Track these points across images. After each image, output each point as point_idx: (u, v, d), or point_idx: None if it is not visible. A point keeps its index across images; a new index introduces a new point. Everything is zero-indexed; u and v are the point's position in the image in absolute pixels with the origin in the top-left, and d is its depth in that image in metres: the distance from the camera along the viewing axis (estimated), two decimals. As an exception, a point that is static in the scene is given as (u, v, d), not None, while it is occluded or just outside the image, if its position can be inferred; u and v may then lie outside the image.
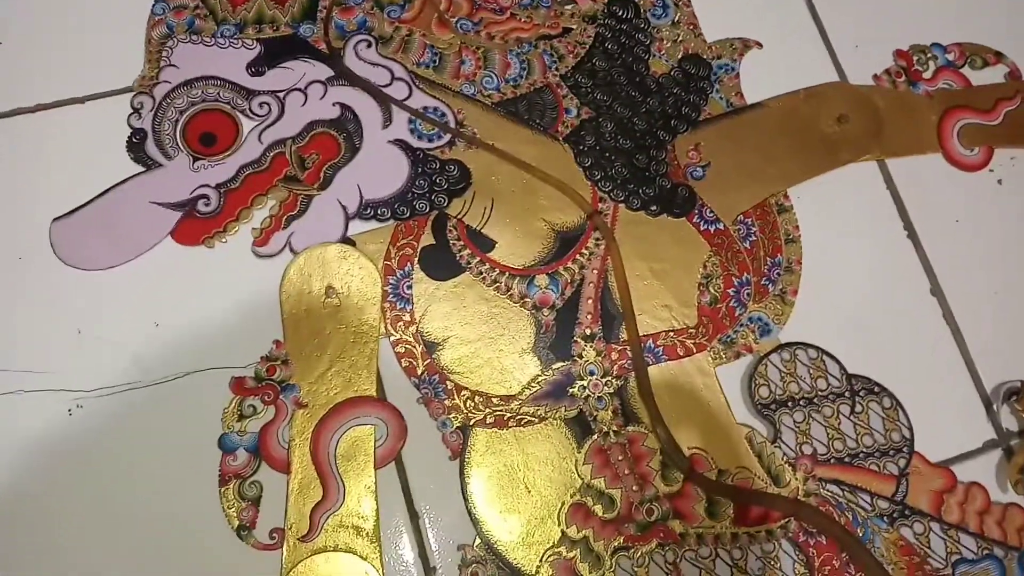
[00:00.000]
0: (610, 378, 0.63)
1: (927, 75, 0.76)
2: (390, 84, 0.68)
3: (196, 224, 0.63)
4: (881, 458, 0.63)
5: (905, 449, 0.64)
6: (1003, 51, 0.78)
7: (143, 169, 0.64)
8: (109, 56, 0.68)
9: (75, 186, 0.64)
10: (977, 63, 0.77)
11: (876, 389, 0.65)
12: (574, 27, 0.72)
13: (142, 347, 0.61)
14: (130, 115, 0.66)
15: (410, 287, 0.63)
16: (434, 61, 0.70)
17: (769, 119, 0.71)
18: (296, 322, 0.61)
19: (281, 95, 0.67)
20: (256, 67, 0.68)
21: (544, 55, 0.71)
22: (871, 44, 0.76)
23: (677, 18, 0.74)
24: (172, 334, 0.61)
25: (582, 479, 0.61)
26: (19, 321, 0.61)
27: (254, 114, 0.66)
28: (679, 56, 0.73)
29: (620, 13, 0.73)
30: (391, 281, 0.63)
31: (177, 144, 0.65)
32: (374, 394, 0.61)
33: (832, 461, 0.63)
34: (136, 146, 0.65)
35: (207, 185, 0.64)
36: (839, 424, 0.64)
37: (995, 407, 0.67)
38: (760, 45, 0.74)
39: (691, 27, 0.74)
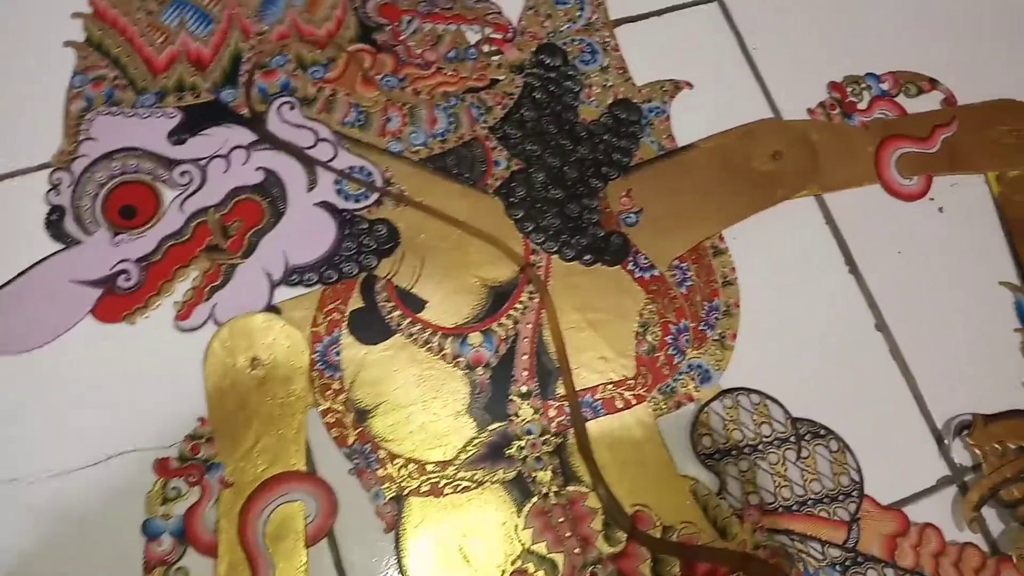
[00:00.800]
0: (548, 436, 0.61)
1: (862, 106, 0.75)
2: (314, 146, 0.67)
3: (117, 300, 0.62)
4: (831, 504, 0.62)
5: (855, 493, 0.62)
6: (937, 78, 0.77)
7: (62, 247, 0.63)
8: (26, 133, 0.67)
9: (-7, 266, 0.62)
10: (912, 91, 0.77)
11: (822, 432, 0.64)
12: (502, 78, 0.71)
13: (63, 431, 0.59)
14: (48, 191, 0.65)
15: (339, 353, 0.62)
16: (359, 120, 0.69)
17: (702, 160, 0.70)
18: (220, 397, 0.60)
19: (203, 163, 0.66)
20: (177, 135, 0.66)
21: (472, 108, 0.70)
22: (805, 78, 0.76)
23: (606, 63, 0.73)
24: (93, 416, 0.60)
25: (522, 544, 0.59)
26: (-64, 410, 0.59)
27: (176, 184, 0.65)
28: (609, 101, 0.72)
29: (548, 61, 0.72)
30: (318, 348, 0.62)
31: (96, 219, 0.64)
32: (303, 468, 0.59)
33: (780, 510, 0.61)
34: (54, 223, 0.63)
35: (128, 260, 0.63)
36: (786, 471, 0.62)
37: (947, 442, 0.66)
38: (691, 85, 0.74)
39: (620, 71, 0.73)
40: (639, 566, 0.59)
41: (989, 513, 0.64)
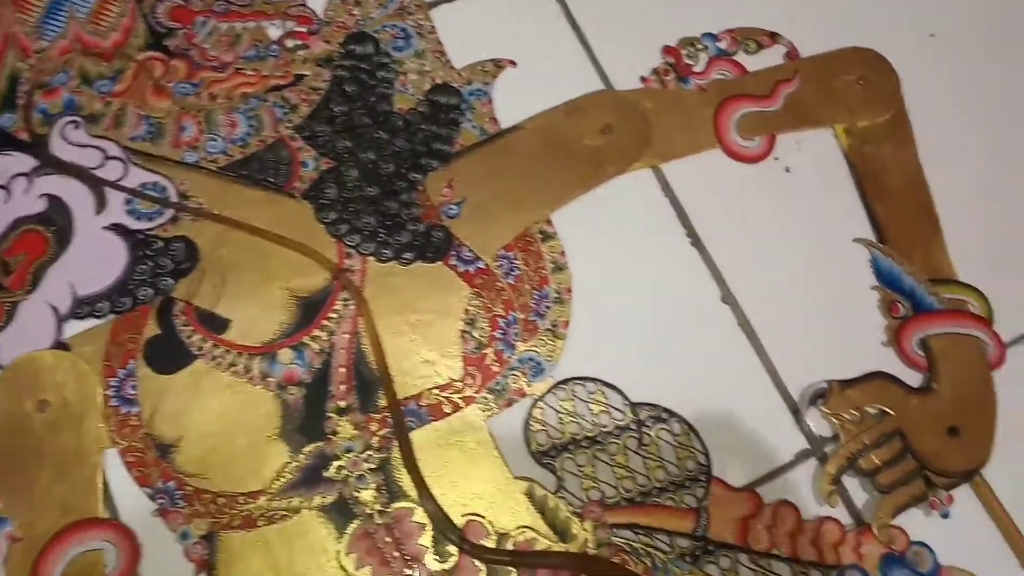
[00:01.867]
0: (371, 452, 0.57)
1: (698, 68, 0.72)
2: (102, 165, 0.62)
3: None
4: (677, 491, 0.58)
5: (702, 477, 0.59)
6: (778, 31, 0.74)
7: None
8: None
9: None
10: (752, 47, 0.73)
11: (664, 416, 0.60)
12: (307, 73, 0.67)
13: None
14: None
15: (135, 387, 0.57)
16: (151, 132, 0.64)
17: (527, 141, 0.67)
18: (4, 446, 0.55)
19: (-19, 195, 0.61)
20: (-48, 169, 0.61)
21: (274, 108, 0.65)
22: (636, 45, 0.72)
23: (422, 48, 0.69)
24: None
25: (345, 571, 0.55)
26: None
27: (-49, 221, 0.60)
28: (426, 88, 0.68)
29: (358, 51, 0.68)
30: (112, 383, 0.57)
31: None
32: (100, 514, 0.55)
33: (623, 504, 0.58)
34: None
35: (-99, 307, 0.58)
36: (627, 461, 0.59)
37: (802, 413, 0.62)
38: (514, 64, 0.70)
39: (437, 55, 0.69)
40: (473, 580, 0.55)
41: (854, 484, 0.61)
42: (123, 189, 0.62)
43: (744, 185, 0.69)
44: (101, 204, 0.61)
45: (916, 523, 0.60)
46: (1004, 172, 0.71)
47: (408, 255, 0.62)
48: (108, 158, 0.62)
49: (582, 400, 0.60)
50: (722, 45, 0.73)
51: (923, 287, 0.66)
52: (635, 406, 0.60)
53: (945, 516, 0.60)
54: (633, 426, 0.60)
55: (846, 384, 0.63)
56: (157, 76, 0.65)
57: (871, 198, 0.69)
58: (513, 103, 0.69)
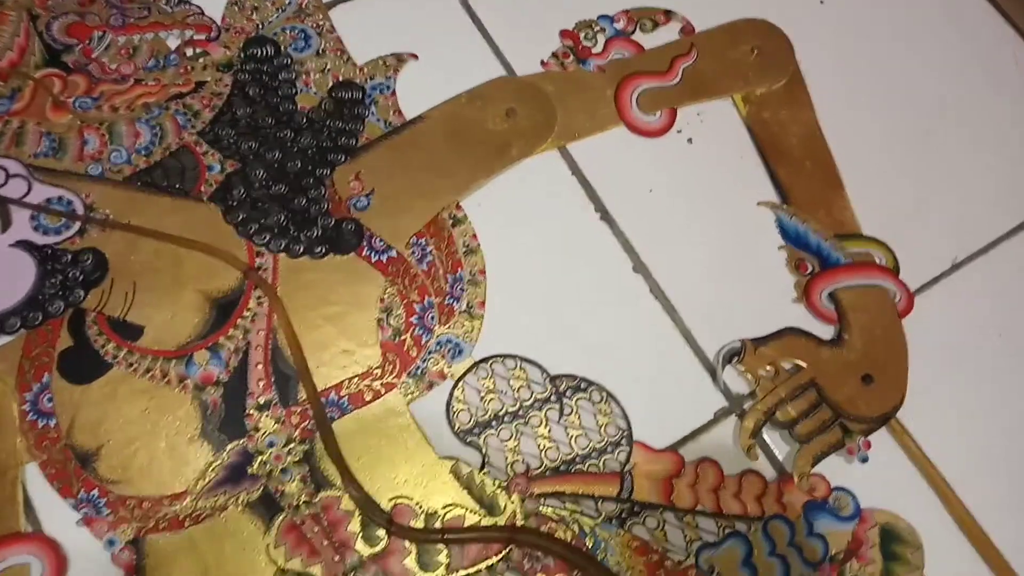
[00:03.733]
0: (294, 445, 0.58)
1: (597, 49, 0.73)
2: (5, 183, 0.62)
3: None
4: (600, 457, 0.60)
5: (624, 441, 0.60)
6: (673, 8, 0.76)
7: None
8: None
9: None
10: (647, 26, 0.75)
11: (583, 385, 0.61)
12: (208, 79, 0.68)
13: None
14: None
15: (50, 399, 0.57)
16: (53, 148, 0.64)
17: (430, 131, 0.68)
18: (-81, 470, 0.55)
19: None
20: None
21: (177, 115, 0.66)
22: (534, 30, 0.74)
23: (322, 47, 0.70)
24: None
25: (276, 564, 0.55)
26: None
27: None
28: (329, 86, 0.69)
29: (258, 53, 0.69)
30: (28, 398, 0.57)
31: None
32: (21, 529, 0.54)
33: (548, 473, 0.59)
34: None
35: None
36: (549, 432, 0.60)
37: (719, 373, 0.64)
38: (416, 56, 0.71)
39: (338, 53, 0.70)
40: (404, 561, 0.56)
41: (775, 437, 0.63)
42: (28, 206, 0.61)
43: (649, 159, 0.71)
44: (6, 223, 0.61)
45: (837, 470, 0.61)
46: (901, 126, 0.74)
47: (320, 249, 0.63)
48: (11, 176, 0.62)
49: (502, 377, 0.61)
50: (619, 25, 0.75)
51: (829, 243, 0.69)
52: (554, 379, 0.61)
53: (864, 461, 0.62)
54: (553, 398, 0.61)
55: (759, 341, 0.65)
56: (56, 92, 0.65)
57: (773, 162, 0.72)
58: (417, 95, 0.70)
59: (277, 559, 0.55)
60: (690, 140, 0.72)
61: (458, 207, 0.65)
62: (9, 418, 0.56)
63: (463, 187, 0.66)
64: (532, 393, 0.61)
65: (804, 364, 0.64)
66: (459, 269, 0.63)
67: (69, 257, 0.61)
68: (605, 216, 0.68)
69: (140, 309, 0.60)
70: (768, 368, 0.64)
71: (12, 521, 0.54)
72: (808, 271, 0.68)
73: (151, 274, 0.61)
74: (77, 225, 0.61)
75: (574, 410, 0.61)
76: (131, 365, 0.58)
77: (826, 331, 0.66)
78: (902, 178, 0.72)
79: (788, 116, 0.73)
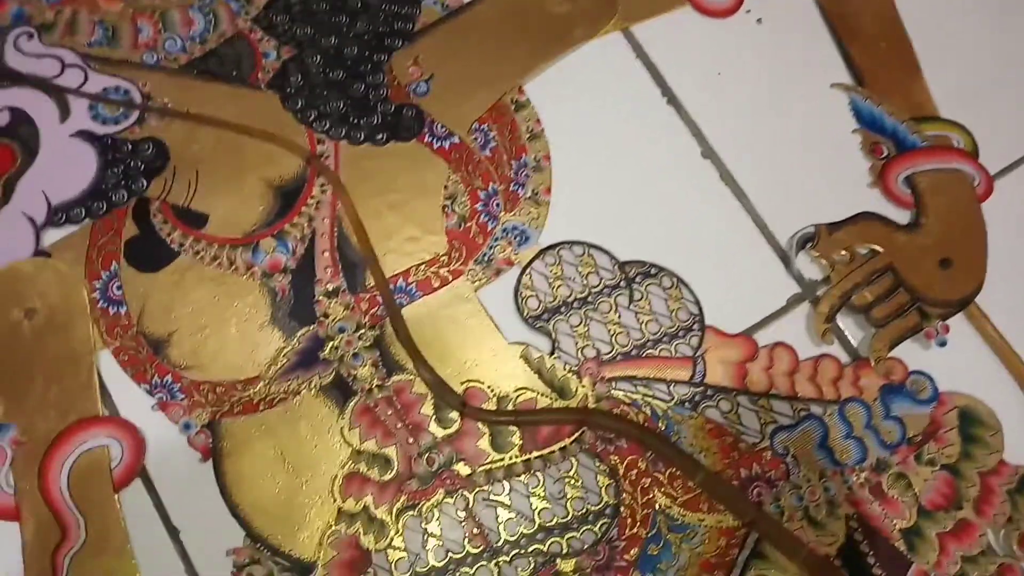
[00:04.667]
0: (364, 331, 0.57)
1: (661, -74, 0.70)
2: (61, 73, 0.61)
3: None
4: (671, 342, 0.59)
5: (695, 326, 0.59)
6: None
7: None
8: None
9: None
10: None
11: (653, 271, 0.60)
12: (259, -37, 0.65)
13: None
14: None
15: (120, 287, 0.57)
16: (107, 37, 0.63)
17: (489, 13, 0.65)
18: (-1, 355, 0.55)
19: (-59, 116, 0.60)
20: (-94, 92, 0.60)
21: (229, 2, 0.64)
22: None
23: (374, -72, 0.67)
24: None
25: (351, 446, 0.55)
26: None
27: (-86, 145, 0.59)
28: (383, -32, 0.66)
29: (310, -63, 0.66)
30: (97, 286, 0.57)
31: None
32: (99, 413, 0.55)
33: (619, 358, 0.58)
34: None
35: None
36: (619, 317, 0.59)
37: (792, 259, 0.62)
38: (471, -64, 0.68)
39: (390, -65, 0.67)
40: (477, 442, 0.55)
41: (850, 323, 0.61)
42: (86, 95, 0.60)
43: (717, 40, 0.67)
44: (65, 112, 0.60)
45: (913, 354, 0.60)
46: (979, 3, 0.70)
47: (380, 135, 0.61)
48: (67, 66, 0.61)
49: (570, 263, 0.60)
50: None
51: (905, 126, 0.66)
52: (623, 264, 0.60)
53: (942, 345, 0.60)
54: (623, 283, 0.59)
55: (834, 227, 0.62)
56: (106, -20, 0.64)
57: (846, 42, 0.68)
58: (473, -23, 0.67)
59: (352, 441, 0.55)
60: (759, 20, 0.69)
61: (520, 91, 0.63)
62: (81, 306, 0.56)
63: (525, 71, 0.64)
64: (601, 279, 0.59)
65: (880, 248, 0.62)
66: (523, 155, 0.62)
67: (129, 146, 0.60)
68: (672, 100, 0.65)
69: (203, 197, 0.59)
70: (843, 253, 0.62)
71: (90, 405, 0.55)
72: (883, 155, 0.65)
73: (213, 162, 0.60)
74: (136, 114, 0.60)
75: (644, 295, 0.59)
76: (197, 253, 0.58)
77: (902, 216, 0.64)
78: (981, 59, 0.69)
79: (862, -6, 0.70)
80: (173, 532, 0.54)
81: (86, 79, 0.61)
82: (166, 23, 0.63)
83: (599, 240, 0.60)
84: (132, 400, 0.56)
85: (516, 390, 0.57)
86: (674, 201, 0.63)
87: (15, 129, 0.60)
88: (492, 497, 0.55)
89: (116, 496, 0.53)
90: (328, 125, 0.61)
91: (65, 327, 0.56)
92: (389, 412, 0.56)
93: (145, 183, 0.59)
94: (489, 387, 0.57)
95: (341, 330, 0.57)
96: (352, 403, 0.56)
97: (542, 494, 0.55)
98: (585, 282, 0.59)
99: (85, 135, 0.60)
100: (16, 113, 0.60)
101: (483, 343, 0.58)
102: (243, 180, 0.60)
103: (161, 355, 0.56)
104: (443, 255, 0.59)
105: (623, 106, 0.65)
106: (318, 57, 0.63)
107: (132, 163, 0.59)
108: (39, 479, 0.53)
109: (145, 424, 0.55)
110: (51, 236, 0.58)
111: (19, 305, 0.56)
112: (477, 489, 0.55)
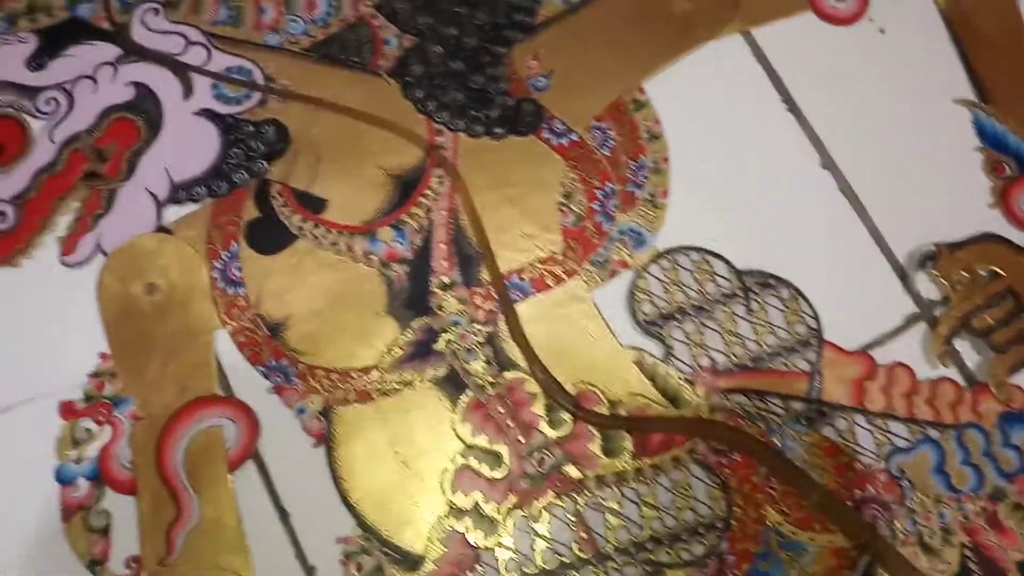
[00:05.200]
0: (477, 325, 0.57)
1: (786, -71, 0.68)
2: (185, 51, 0.61)
3: (-5, 243, 0.57)
4: (788, 355, 0.57)
5: (813, 341, 0.58)
6: None
7: (-71, 194, 0.58)
8: None
9: None
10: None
11: (771, 282, 0.59)
12: (382, -50, 0.65)
13: (-43, 387, 0.55)
14: (-95, 140, 0.59)
15: (239, 268, 0.57)
16: (231, 16, 0.63)
17: (611, 10, 0.64)
18: (119, 329, 0.56)
19: (68, 86, 0.60)
20: (36, 61, 0.61)
21: (352, -14, 0.64)
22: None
23: (496, -81, 0.66)
24: (-13, 367, 0.56)
25: (462, 440, 0.55)
26: None
27: (41, 113, 0.60)
28: (504, -41, 0.65)
29: (432, -75, 0.66)
30: (217, 265, 0.57)
31: (-41, 160, 0.58)
32: (216, 392, 0.55)
33: (734, 369, 0.57)
34: (-84, 174, 0.58)
35: (1, 199, 0.58)
36: (736, 327, 0.58)
37: (911, 277, 0.61)
38: (593, -69, 0.67)
39: (513, -75, 0.66)
40: (589, 446, 0.55)
41: (964, 347, 0.60)
42: (209, 74, 0.60)
43: (838, 48, 0.66)
44: (188, 90, 0.60)
45: (1034, 381, 0.58)
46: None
47: (499, 130, 0.61)
48: (190, 44, 0.61)
49: (686, 269, 0.59)
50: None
51: (1030, 145, 0.64)
52: (740, 273, 0.59)
53: (1064, 374, 0.59)
54: (740, 293, 0.58)
55: (955, 246, 0.61)
56: (232, -41, 0.64)
57: (971, 56, 0.66)
58: (593, -27, 0.66)
59: (464, 435, 0.55)
60: (882, 30, 0.67)
61: (640, 91, 0.62)
62: (201, 284, 0.57)
63: (645, 70, 0.63)
64: (718, 287, 0.59)
65: (1002, 272, 0.60)
66: (641, 155, 0.61)
67: (251, 127, 0.60)
68: (792, 107, 0.64)
69: (323, 182, 0.59)
70: (963, 274, 0.60)
71: (207, 383, 0.55)
72: (1006, 174, 0.63)
73: (333, 148, 0.60)
74: (258, 95, 0.60)
75: (762, 306, 0.58)
76: (316, 238, 0.58)
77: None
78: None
79: (988, 6, 0.68)
80: (283, 515, 0.54)
81: (209, 57, 0.61)
82: (289, 5, 0.63)
83: (715, 246, 0.60)
84: (247, 381, 0.56)
85: (629, 395, 0.56)
86: (791, 211, 0.62)
87: (140, 104, 0.60)
88: (602, 502, 0.54)
89: (230, 477, 0.53)
90: (448, 116, 0.61)
91: (184, 304, 0.56)
92: (501, 409, 0.55)
93: (265, 165, 0.59)
94: (602, 390, 0.56)
95: (455, 323, 0.57)
96: (464, 397, 0.56)
97: (652, 503, 0.54)
98: (701, 289, 0.58)
99: (207, 114, 0.60)
100: (141, 88, 0.60)
101: (596, 345, 0.57)
102: (362, 167, 0.59)
103: (278, 338, 0.56)
104: (558, 253, 0.59)
105: (742, 111, 0.64)
106: (439, 47, 0.62)
107: (253, 144, 0.59)
108: (155, 455, 0.53)
109: (260, 406, 0.55)
110: (172, 213, 0.58)
111: (140, 280, 0.56)
112: (587, 493, 0.54)
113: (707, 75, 0.64)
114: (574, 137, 0.61)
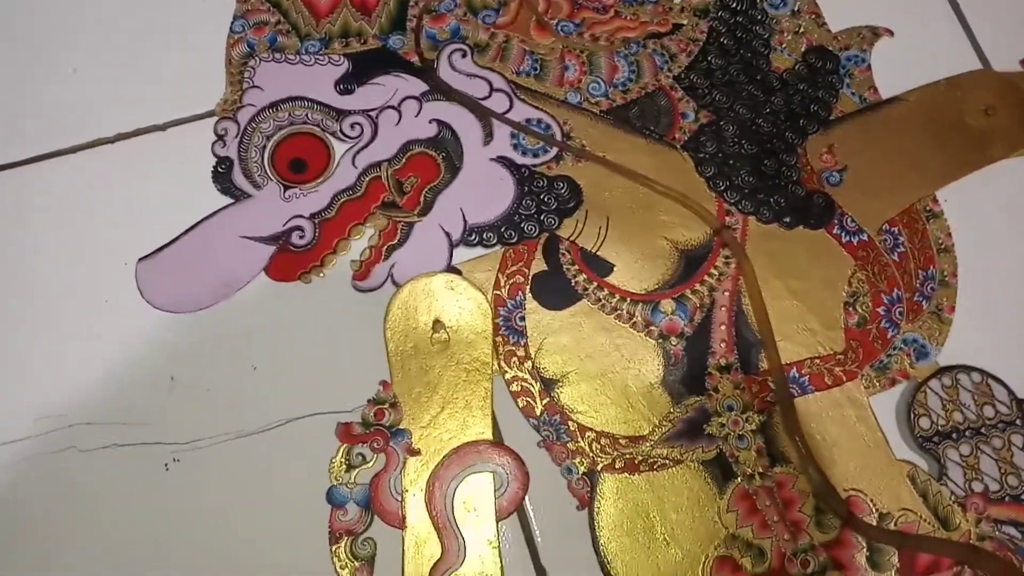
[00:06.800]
0: (751, 413, 0.56)
1: (1084, 55, 0.67)
2: (489, 96, 0.62)
3: (291, 258, 0.59)
4: (1066, 496, 0.56)
5: (1093, 484, 0.56)
6: None
7: (231, 200, 0.60)
8: (187, 79, 0.64)
9: (160, 220, 0.60)
10: None
11: (1054, 416, 0.57)
12: (685, 23, 0.66)
13: (239, 393, 0.56)
14: (214, 143, 0.62)
15: (523, 318, 0.58)
16: (535, 68, 0.64)
17: (909, 114, 0.64)
18: (403, 360, 0.56)
19: (373, 114, 0.62)
20: (345, 85, 0.63)
21: (654, 55, 0.64)
22: (1017, 26, 0.68)
23: (797, 7, 0.67)
24: (271, 378, 0.57)
25: (727, 528, 0.54)
26: (108, 369, 0.57)
27: (346, 136, 0.61)
28: (802, 49, 0.66)
29: (734, 5, 0.66)
30: (502, 312, 0.58)
31: (266, 172, 0.60)
32: (490, 437, 0.55)
33: (1007, 499, 0.56)
34: (222, 176, 0.60)
35: (301, 216, 0.59)
36: (1011, 457, 0.56)
37: None
38: (891, 33, 0.67)
39: (813, 16, 0.67)
40: (855, 555, 0.54)
41: None
42: (511, 123, 0.61)
43: None
44: (489, 135, 0.61)
45: None
46: None
47: (789, 218, 0.61)
48: (494, 90, 0.63)
49: (966, 389, 0.58)
50: (1108, 33, 0.68)
51: None
52: (1021, 401, 0.58)
53: None
54: (1019, 422, 0.57)
55: None
56: (540, 11, 0.65)
57: None
58: (889, 73, 0.66)
59: (728, 524, 0.54)
60: None
61: (934, 200, 0.62)
62: (485, 328, 0.57)
63: (939, 180, 0.62)
64: (996, 412, 0.57)
65: None
66: (931, 266, 0.60)
67: (545, 181, 0.60)
68: (1083, 238, 0.63)
69: (610, 246, 0.60)
70: None
71: (483, 427, 0.55)
72: None
73: (623, 213, 0.60)
74: (554, 151, 0.61)
75: (1042, 440, 0.57)
76: (599, 300, 0.58)
77: None
78: None
79: None
80: (540, 572, 0.54)
81: (511, 106, 0.62)
82: (592, 65, 0.64)
83: (997, 370, 0.58)
84: (518, 432, 0.56)
85: (900, 510, 0.55)
86: (1073, 344, 0.60)
87: (441, 142, 0.61)
88: (864, 616, 0.53)
89: (497, 526, 0.54)
90: (739, 197, 0.61)
91: (468, 346, 0.57)
92: (768, 503, 0.55)
93: (556, 220, 0.60)
94: (871, 500, 0.55)
95: (729, 408, 0.56)
96: (732, 485, 0.55)
97: (916, 625, 0.52)
98: (980, 412, 0.57)
99: (505, 162, 0.61)
100: (443, 127, 0.62)
101: (869, 453, 0.56)
102: (650, 237, 0.60)
103: (552, 394, 0.56)
104: (839, 353, 0.58)
105: (1035, 234, 0.63)
106: (734, 127, 0.62)
107: (545, 198, 0.60)
108: (427, 491, 0.54)
109: (528, 459, 0.55)
110: (462, 254, 0.59)
111: (428, 316, 0.57)
112: (850, 604, 0.53)
113: (1001, 193, 0.63)
114: (864, 237, 0.60)
